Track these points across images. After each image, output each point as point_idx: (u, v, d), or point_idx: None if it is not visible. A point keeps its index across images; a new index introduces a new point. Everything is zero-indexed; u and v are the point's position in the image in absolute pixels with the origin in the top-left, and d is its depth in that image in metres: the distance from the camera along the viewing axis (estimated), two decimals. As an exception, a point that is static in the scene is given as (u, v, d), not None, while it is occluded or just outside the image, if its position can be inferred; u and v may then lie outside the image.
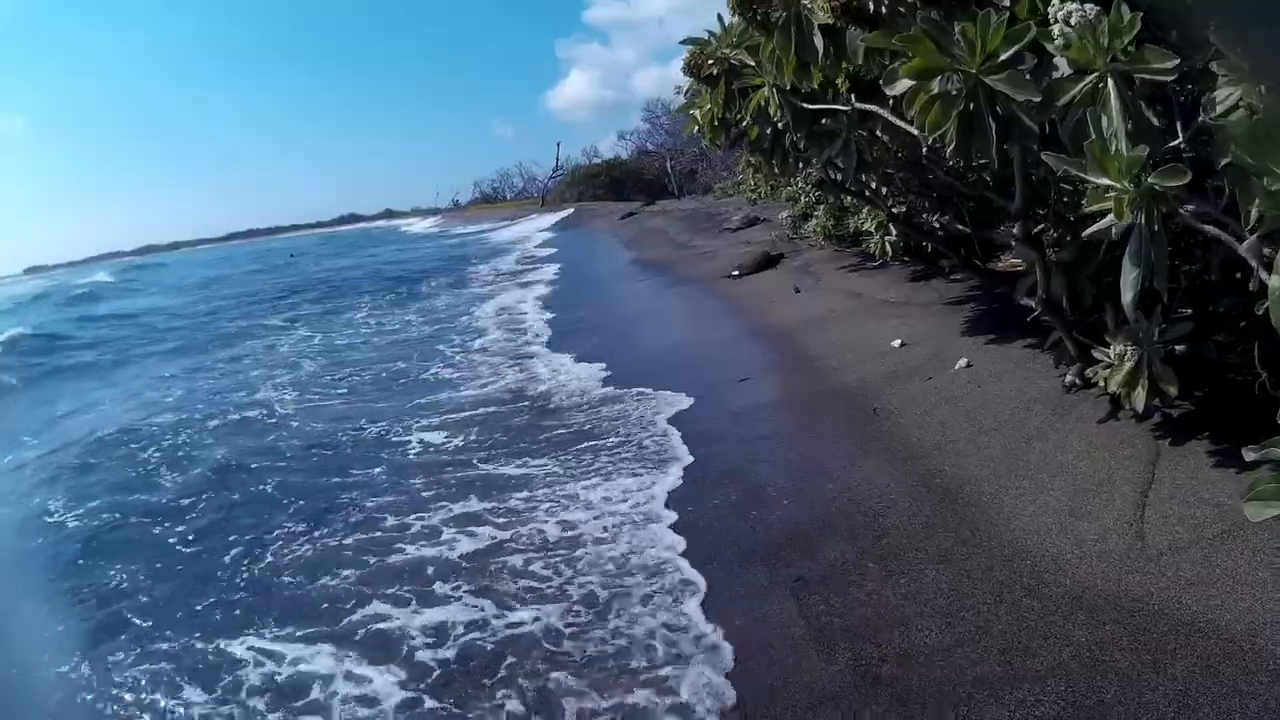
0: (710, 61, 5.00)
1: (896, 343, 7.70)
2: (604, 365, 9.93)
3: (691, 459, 6.40)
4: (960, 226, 7.74)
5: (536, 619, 4.55)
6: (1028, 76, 2.85)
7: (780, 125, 5.18)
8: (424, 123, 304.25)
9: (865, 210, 10.14)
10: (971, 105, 2.98)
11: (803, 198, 13.37)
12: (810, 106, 4.74)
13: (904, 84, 3.09)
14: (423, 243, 52.69)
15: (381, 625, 4.79)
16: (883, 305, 9.50)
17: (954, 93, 2.97)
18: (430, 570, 5.34)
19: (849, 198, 10.42)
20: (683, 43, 5.17)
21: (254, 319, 21.36)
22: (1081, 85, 2.75)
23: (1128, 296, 2.70)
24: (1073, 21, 2.61)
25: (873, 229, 9.97)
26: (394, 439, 8.31)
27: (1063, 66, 2.85)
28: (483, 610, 4.75)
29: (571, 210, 46.62)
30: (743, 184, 16.90)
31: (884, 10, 3.28)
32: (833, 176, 7.91)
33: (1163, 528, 4.04)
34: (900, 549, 4.45)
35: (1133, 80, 2.72)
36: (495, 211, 66.76)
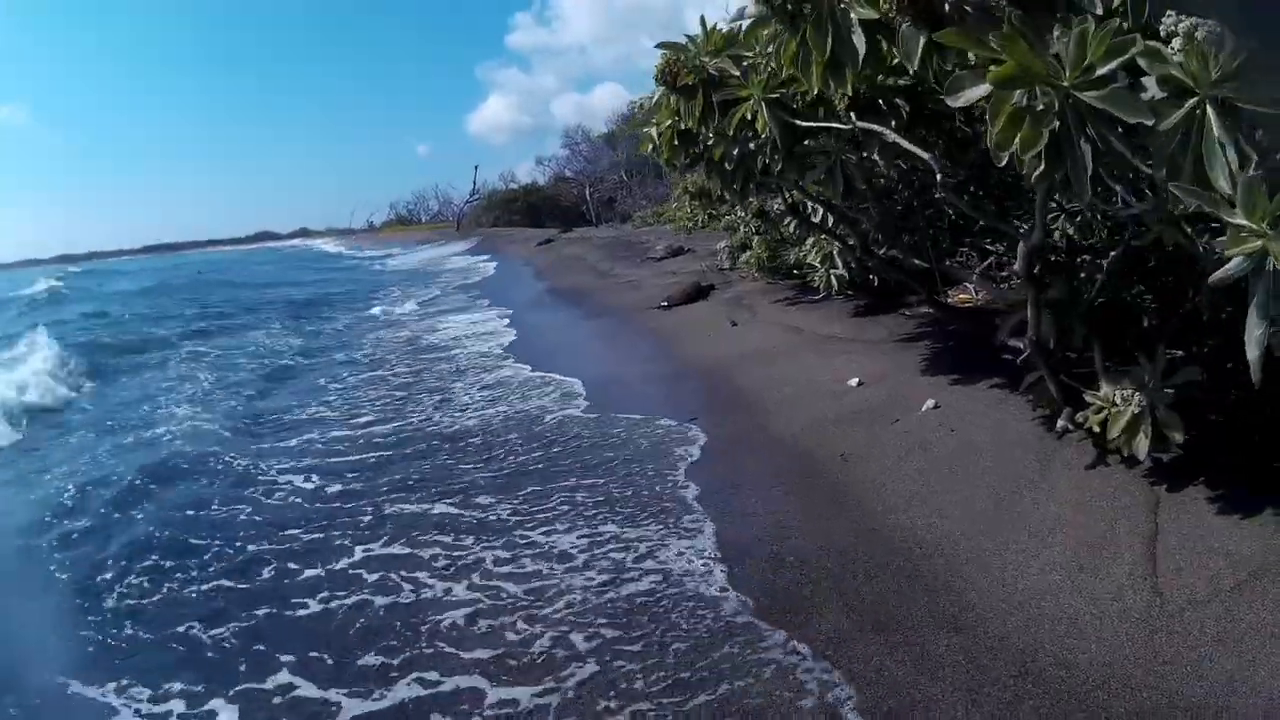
0: (687, 70, 4.52)
1: (853, 381, 7.32)
2: (525, 398, 9.38)
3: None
4: (917, 260, 7.42)
5: (536, 695, 3.85)
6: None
7: (755, 145, 4.76)
8: (341, 141, 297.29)
9: (809, 242, 9.80)
10: (1057, 124, 2.55)
11: (742, 227, 13.03)
12: (805, 123, 4.29)
13: (975, 93, 2.64)
14: (334, 262, 51.36)
15: (297, 695, 4.10)
16: (827, 341, 9.13)
17: (1040, 108, 2.54)
18: (350, 629, 4.66)
19: (792, 228, 10.08)
20: (658, 46, 4.69)
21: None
22: (1183, 110, 2.36)
23: (1254, 354, 2.33)
24: (1199, 36, 2.20)
25: (817, 262, 9.63)
26: (260, 475, 7.64)
27: (1151, 88, 2.47)
28: (444, 683, 4.02)
29: (487, 235, 45.84)
30: (678, 211, 16.50)
31: (947, 7, 2.82)
32: (789, 200, 7.56)
33: (1177, 581, 3.75)
34: (904, 617, 3.97)
35: (1232, 108, 2.36)
36: (409, 234, 65.65)
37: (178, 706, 4.11)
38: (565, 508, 5.97)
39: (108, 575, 5.67)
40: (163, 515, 6.74)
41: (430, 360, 12.80)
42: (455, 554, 5.44)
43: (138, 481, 7.63)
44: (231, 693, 4.16)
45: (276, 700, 4.08)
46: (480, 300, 20.13)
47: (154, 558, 5.89)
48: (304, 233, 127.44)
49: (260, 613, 4.96)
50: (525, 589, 4.86)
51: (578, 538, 5.45)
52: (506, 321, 15.73)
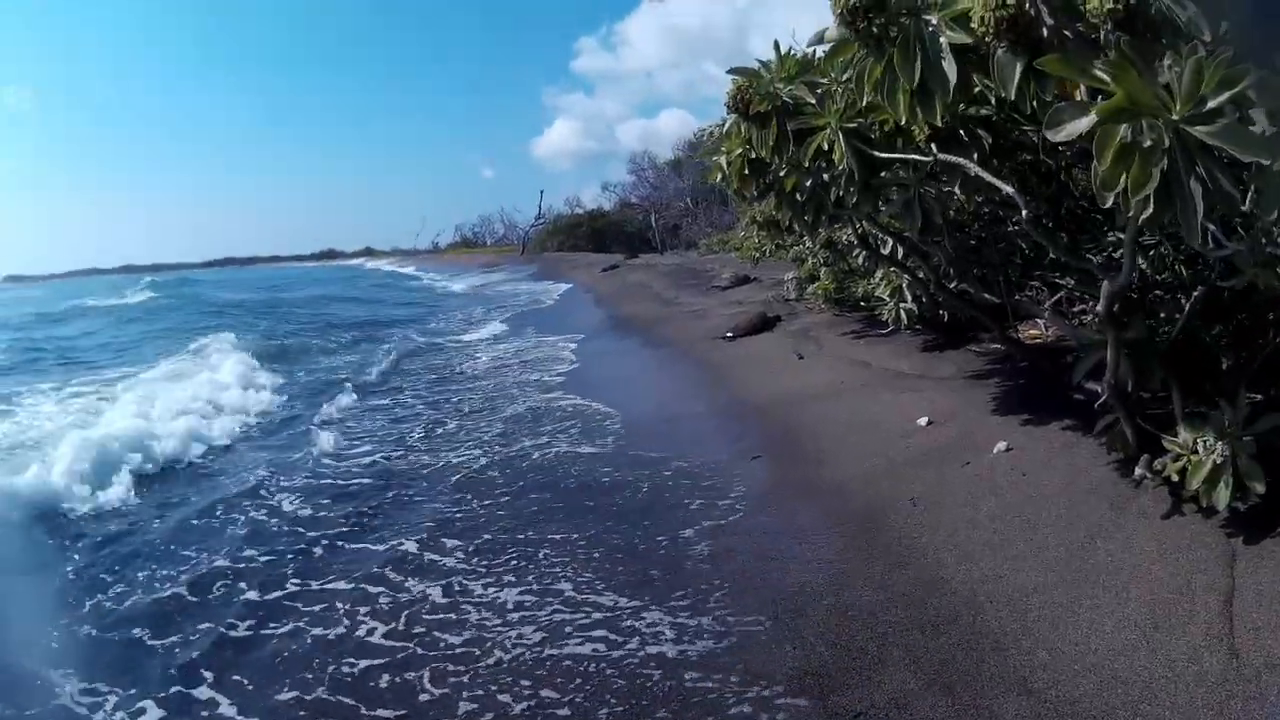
0: (760, 98, 4.41)
1: (923, 420, 7.10)
2: (590, 425, 9.33)
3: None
4: (988, 295, 7.18)
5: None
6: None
7: (829, 176, 4.63)
8: (406, 163, 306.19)
9: (878, 275, 9.61)
10: (1166, 163, 2.39)
11: (810, 258, 12.85)
12: (884, 155, 4.15)
13: (1078, 126, 2.48)
14: (401, 283, 52.39)
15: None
16: (896, 377, 8.90)
17: (1148, 144, 2.37)
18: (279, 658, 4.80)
19: (861, 260, 9.90)
20: (729, 72, 4.59)
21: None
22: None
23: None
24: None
25: (886, 295, 9.42)
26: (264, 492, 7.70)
27: (1261, 122, 2.30)
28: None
29: (552, 259, 46.31)
30: (745, 240, 16.33)
31: (1046, 31, 2.66)
32: (859, 232, 7.40)
33: (1255, 642, 3.51)
34: (972, 676, 3.76)
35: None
36: (474, 257, 66.68)
37: (110, 700, 4.45)
38: (594, 554, 5.89)
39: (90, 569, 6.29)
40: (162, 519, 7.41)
41: (489, 385, 12.86)
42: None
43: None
44: (161, 695, 4.46)
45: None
46: (544, 326, 20.11)
47: (135, 559, 6.46)
48: (368, 252, 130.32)
49: (203, 627, 5.22)
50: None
51: (608, 591, 5.34)
52: (573, 347, 15.71)
